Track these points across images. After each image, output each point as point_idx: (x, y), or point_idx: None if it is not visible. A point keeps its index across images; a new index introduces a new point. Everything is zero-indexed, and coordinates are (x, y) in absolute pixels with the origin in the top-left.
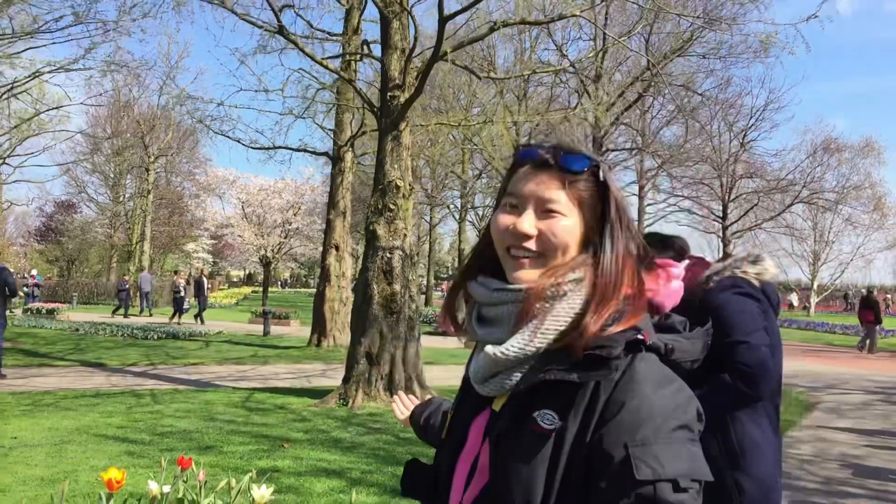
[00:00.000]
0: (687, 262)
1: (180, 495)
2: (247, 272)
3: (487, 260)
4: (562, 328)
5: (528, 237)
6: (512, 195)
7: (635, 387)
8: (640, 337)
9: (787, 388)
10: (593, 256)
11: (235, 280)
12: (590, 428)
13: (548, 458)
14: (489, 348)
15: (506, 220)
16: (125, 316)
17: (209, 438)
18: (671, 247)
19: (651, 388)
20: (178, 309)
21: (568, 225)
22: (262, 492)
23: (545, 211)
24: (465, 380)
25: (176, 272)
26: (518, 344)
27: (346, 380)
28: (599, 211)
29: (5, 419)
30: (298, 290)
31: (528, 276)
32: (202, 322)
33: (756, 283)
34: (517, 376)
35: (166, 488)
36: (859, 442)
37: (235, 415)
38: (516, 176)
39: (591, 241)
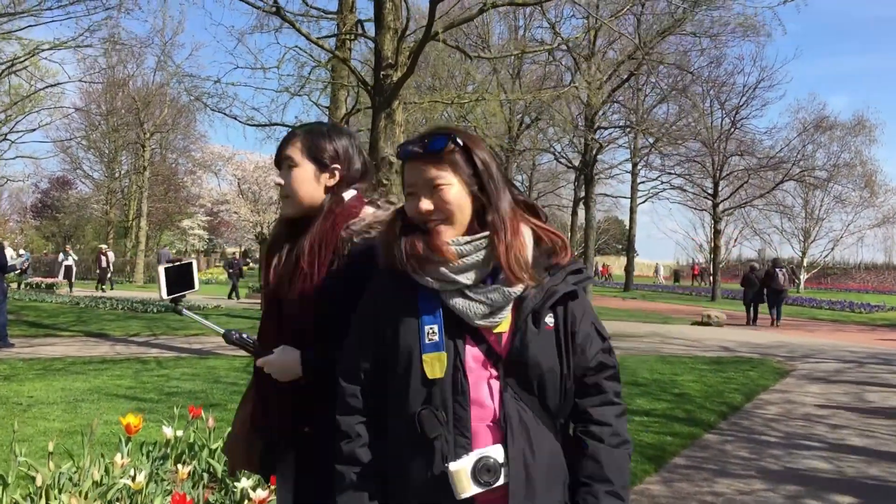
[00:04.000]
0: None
1: (191, 440)
2: (242, 249)
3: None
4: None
5: (429, 212)
6: (409, 186)
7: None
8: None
9: (764, 358)
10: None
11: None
12: (568, 318)
13: (554, 342)
14: (506, 289)
15: (410, 206)
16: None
17: (215, 398)
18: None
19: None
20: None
21: (453, 190)
22: None
23: (433, 188)
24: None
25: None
26: (519, 286)
27: None
28: (472, 168)
29: (20, 381)
30: None
31: (447, 235)
32: (237, 298)
33: None
34: (509, 307)
35: (179, 433)
36: (826, 404)
37: (238, 378)
38: (406, 171)
39: (480, 190)
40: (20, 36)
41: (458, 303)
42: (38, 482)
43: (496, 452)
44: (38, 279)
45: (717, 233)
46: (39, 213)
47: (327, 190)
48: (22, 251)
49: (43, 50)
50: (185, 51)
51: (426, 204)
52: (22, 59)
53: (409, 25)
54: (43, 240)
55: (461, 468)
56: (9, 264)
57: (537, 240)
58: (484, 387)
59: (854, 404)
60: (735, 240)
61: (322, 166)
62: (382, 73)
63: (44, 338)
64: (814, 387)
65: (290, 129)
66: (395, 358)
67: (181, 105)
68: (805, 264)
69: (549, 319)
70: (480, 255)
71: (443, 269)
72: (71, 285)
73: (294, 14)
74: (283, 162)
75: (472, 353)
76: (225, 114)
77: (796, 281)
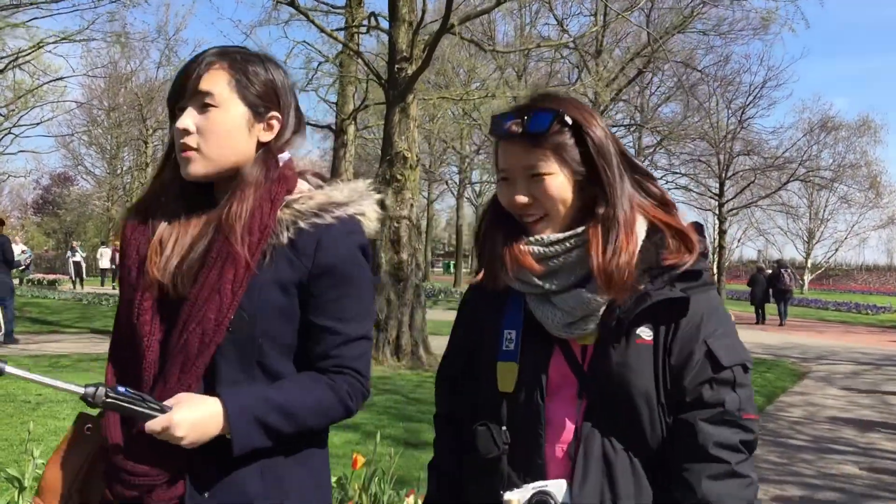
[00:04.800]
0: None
1: None
2: None
3: (506, 219)
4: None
5: (526, 206)
6: (502, 171)
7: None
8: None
9: (779, 359)
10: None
11: None
12: (670, 332)
13: (651, 361)
14: (584, 294)
15: (504, 194)
16: None
17: None
18: None
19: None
20: None
21: (556, 182)
22: None
23: (532, 177)
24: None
25: None
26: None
27: None
28: (583, 151)
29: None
30: None
31: (547, 230)
32: None
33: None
34: (598, 316)
35: None
36: (849, 406)
37: None
38: (500, 151)
39: (590, 180)
40: (28, 25)
41: (539, 308)
42: None
43: (557, 489)
44: (39, 275)
45: (722, 233)
46: (40, 210)
47: (259, 147)
48: (24, 247)
49: (49, 42)
50: (188, 47)
51: (522, 198)
52: (27, 51)
53: (424, 18)
54: (44, 236)
55: (514, 500)
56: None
57: (651, 232)
58: (565, 407)
59: (878, 407)
60: (739, 240)
61: (257, 112)
62: (397, 66)
63: (49, 334)
64: (833, 389)
65: (203, 51)
66: (479, 365)
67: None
68: (809, 265)
69: (646, 332)
70: (571, 256)
71: (527, 273)
72: (82, 281)
73: (307, 9)
74: (194, 97)
75: (557, 368)
76: None
77: (800, 282)
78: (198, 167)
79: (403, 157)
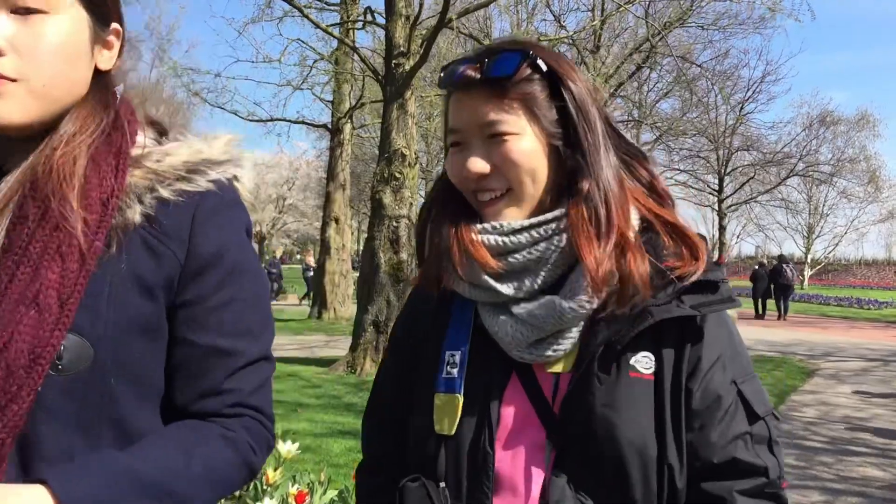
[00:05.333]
0: None
1: None
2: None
3: (459, 204)
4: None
5: (482, 178)
6: (452, 132)
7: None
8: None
9: (786, 356)
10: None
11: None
12: (683, 364)
13: (652, 402)
14: (559, 301)
15: (454, 165)
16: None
17: None
18: None
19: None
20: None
21: (522, 145)
22: (288, 447)
23: (491, 137)
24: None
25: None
26: (585, 299)
27: (353, 348)
28: (559, 108)
29: None
30: (292, 265)
31: (510, 214)
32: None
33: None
34: (574, 333)
35: None
36: (862, 405)
37: None
38: (451, 106)
39: (570, 148)
40: None
41: (494, 321)
42: None
43: None
44: None
45: (721, 229)
46: None
47: (97, 75)
48: None
49: None
50: (181, 47)
51: (477, 163)
52: None
53: (421, 13)
54: None
55: None
56: None
57: (644, 228)
58: (525, 459)
59: (893, 405)
60: (738, 236)
61: (100, 21)
62: (394, 61)
63: None
64: (844, 387)
65: None
66: (413, 397)
67: (178, 102)
68: (809, 260)
69: (645, 362)
70: (540, 250)
71: (478, 272)
72: None
73: (302, 6)
74: None
75: (516, 403)
76: (225, 109)
77: (800, 277)
78: (15, 109)
79: (402, 154)
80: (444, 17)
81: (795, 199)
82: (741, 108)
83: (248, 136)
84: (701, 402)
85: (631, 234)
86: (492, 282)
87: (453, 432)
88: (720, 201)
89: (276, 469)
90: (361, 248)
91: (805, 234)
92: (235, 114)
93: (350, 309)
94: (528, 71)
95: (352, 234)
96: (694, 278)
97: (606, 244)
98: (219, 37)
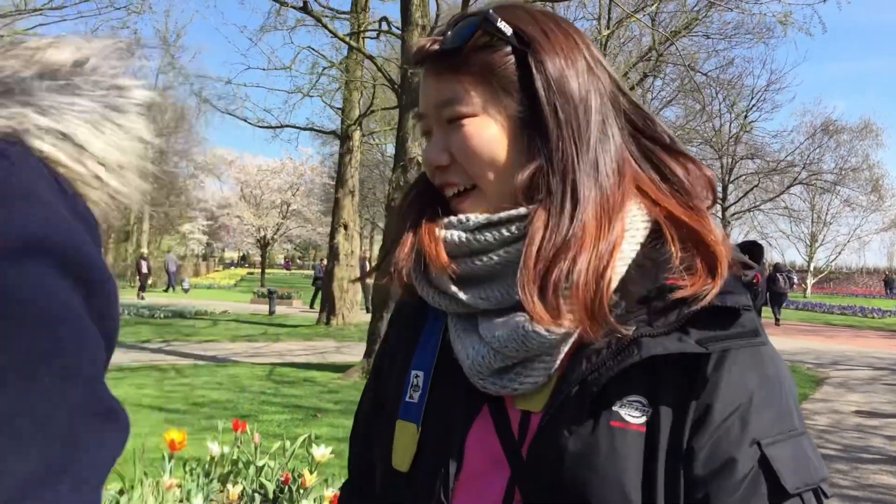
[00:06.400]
0: None
1: (235, 457)
2: (241, 254)
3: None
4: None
5: (441, 168)
6: (420, 116)
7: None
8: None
9: (794, 365)
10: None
11: (228, 262)
12: (688, 414)
13: (641, 459)
14: (523, 322)
15: (422, 154)
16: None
17: (244, 408)
18: None
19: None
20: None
21: (483, 132)
22: (322, 451)
23: (448, 123)
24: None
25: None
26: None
27: (367, 354)
28: (528, 83)
29: None
30: (294, 271)
31: (471, 209)
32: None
33: None
34: (549, 363)
35: (226, 449)
36: (874, 412)
37: (264, 387)
38: (421, 89)
39: (533, 135)
40: (31, 32)
41: (457, 339)
42: None
43: None
44: None
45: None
46: None
47: None
48: None
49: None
50: (188, 54)
51: (433, 154)
52: None
53: (437, 23)
54: None
55: None
56: None
57: (654, 235)
58: None
59: None
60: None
61: None
62: (410, 70)
63: None
64: (855, 395)
65: None
66: (380, 418)
67: (183, 108)
68: (812, 269)
69: (633, 410)
70: (512, 252)
71: (441, 276)
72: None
73: (321, 14)
74: None
75: (482, 440)
76: (235, 116)
77: (803, 286)
78: None
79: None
80: None
81: (799, 207)
82: (745, 116)
83: (255, 142)
84: (706, 465)
85: (606, 247)
86: (453, 287)
87: (408, 468)
88: (724, 210)
89: (311, 472)
90: (368, 254)
91: (808, 242)
92: (245, 120)
93: (358, 315)
94: (486, 38)
95: (360, 239)
96: (705, 302)
97: (547, 255)
98: (230, 44)
